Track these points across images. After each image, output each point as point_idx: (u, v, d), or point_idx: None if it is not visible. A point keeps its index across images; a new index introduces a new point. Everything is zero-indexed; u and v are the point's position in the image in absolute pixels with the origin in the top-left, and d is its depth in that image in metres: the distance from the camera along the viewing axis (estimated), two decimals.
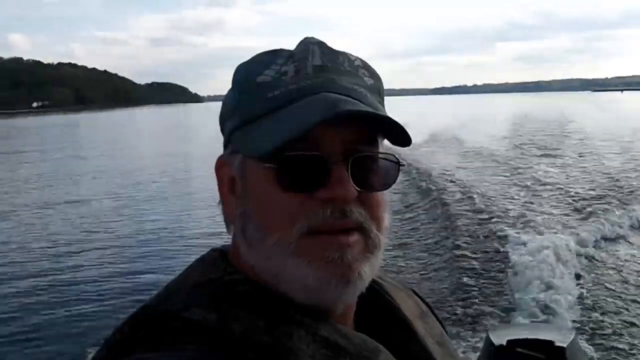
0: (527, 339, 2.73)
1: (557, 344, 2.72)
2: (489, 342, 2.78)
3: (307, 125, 0.67)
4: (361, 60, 0.79)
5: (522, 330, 3.05)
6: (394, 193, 11.72)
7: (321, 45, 0.77)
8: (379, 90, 0.78)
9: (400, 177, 0.76)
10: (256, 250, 0.73)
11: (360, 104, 0.71)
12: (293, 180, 0.70)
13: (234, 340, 0.67)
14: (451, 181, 13.80)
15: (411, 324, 0.85)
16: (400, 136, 0.73)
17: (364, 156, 0.72)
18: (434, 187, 12.88)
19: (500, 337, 2.76)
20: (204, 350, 0.66)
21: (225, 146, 0.80)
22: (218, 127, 0.82)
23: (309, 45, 0.76)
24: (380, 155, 0.74)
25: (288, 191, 0.70)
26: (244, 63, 0.79)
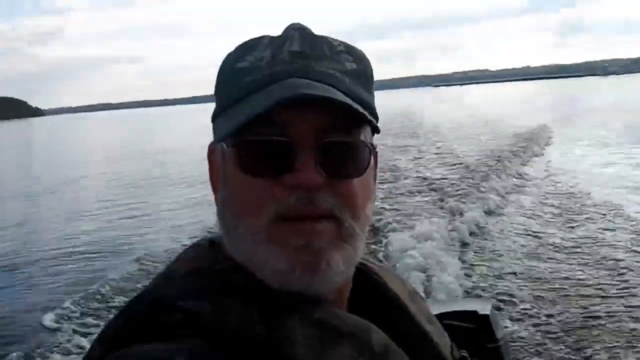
0: (452, 312, 2.67)
1: (481, 312, 2.69)
2: None
3: (258, 111, 0.66)
4: (345, 45, 0.76)
5: (442, 304, 3.01)
6: None
7: (302, 30, 0.75)
8: (362, 75, 0.76)
9: None
10: (232, 237, 0.72)
11: (331, 89, 0.69)
12: (256, 165, 0.69)
13: (230, 332, 0.66)
14: None
15: (402, 302, 0.85)
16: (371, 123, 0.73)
17: (333, 142, 0.70)
18: None
19: None
20: (201, 344, 0.64)
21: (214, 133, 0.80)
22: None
23: (290, 31, 0.75)
24: (353, 142, 0.72)
25: (253, 176, 0.69)
26: (231, 50, 0.78)
